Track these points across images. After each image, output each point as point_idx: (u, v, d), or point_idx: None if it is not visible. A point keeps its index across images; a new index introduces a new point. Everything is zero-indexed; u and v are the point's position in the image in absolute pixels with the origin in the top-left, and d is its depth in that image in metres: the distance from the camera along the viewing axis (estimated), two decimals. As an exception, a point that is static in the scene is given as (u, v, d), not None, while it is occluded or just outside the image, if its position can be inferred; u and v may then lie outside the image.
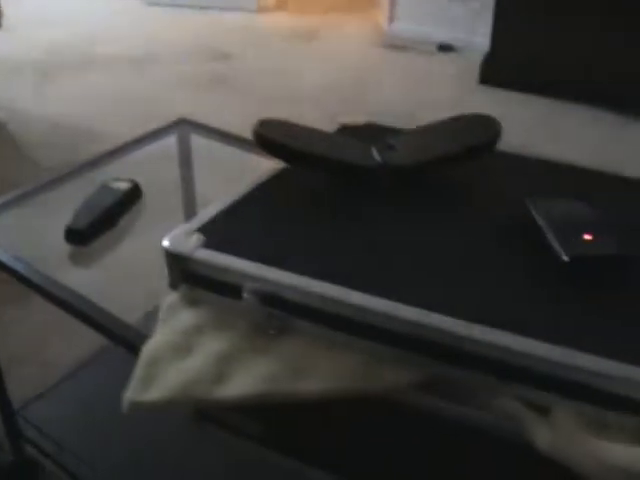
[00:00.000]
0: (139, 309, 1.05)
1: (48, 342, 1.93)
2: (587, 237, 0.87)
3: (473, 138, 1.05)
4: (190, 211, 1.45)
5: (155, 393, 0.79)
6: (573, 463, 0.68)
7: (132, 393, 0.80)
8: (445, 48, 4.58)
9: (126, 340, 0.97)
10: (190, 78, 3.98)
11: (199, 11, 5.31)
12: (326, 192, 1.01)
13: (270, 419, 0.89)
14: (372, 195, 1.00)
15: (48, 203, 1.37)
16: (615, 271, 0.85)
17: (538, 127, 3.41)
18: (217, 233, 0.90)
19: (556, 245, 0.86)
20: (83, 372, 1.58)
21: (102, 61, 4.23)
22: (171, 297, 0.89)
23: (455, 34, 4.61)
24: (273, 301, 0.82)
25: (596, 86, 3.56)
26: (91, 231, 1.20)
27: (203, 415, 0.91)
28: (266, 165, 1.06)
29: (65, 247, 1.18)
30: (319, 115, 3.28)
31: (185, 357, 0.82)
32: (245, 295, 0.82)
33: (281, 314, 0.82)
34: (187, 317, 0.87)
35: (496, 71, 3.88)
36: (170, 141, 1.65)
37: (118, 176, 1.34)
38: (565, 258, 0.84)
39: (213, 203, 0.96)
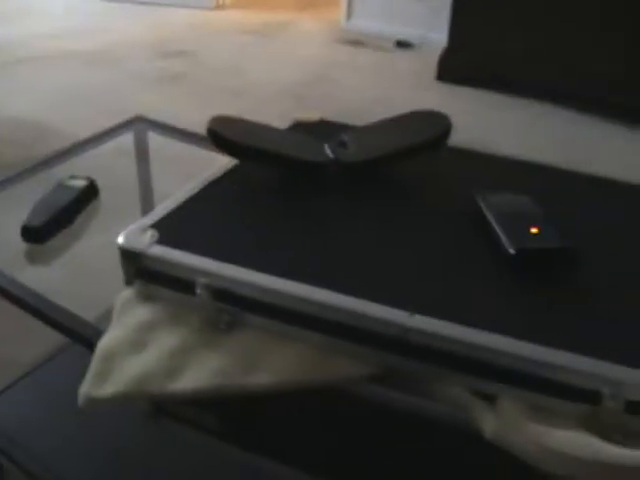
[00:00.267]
0: (96, 307, 1.05)
1: (5, 341, 1.92)
2: (533, 230, 0.89)
3: (424, 134, 1.07)
4: (147, 208, 1.44)
5: (110, 388, 0.80)
6: (517, 450, 0.70)
7: (87, 388, 0.80)
8: (403, 44, 4.60)
9: (84, 337, 0.98)
10: (147, 75, 3.97)
11: (155, 8, 5.30)
12: (279, 188, 1.03)
13: (227, 413, 0.90)
14: (324, 191, 1.02)
15: (3, 201, 1.37)
16: (560, 263, 0.87)
17: (494, 123, 3.44)
18: (171, 229, 0.91)
19: (503, 238, 0.88)
20: (41, 371, 1.58)
21: (57, 57, 4.20)
22: (126, 293, 0.90)
23: (413, 30, 4.63)
24: (225, 296, 0.83)
25: (551, 82, 3.60)
26: (47, 229, 1.20)
27: (160, 410, 0.92)
28: (222, 162, 1.07)
29: (21, 245, 1.18)
30: (276, 112, 3.29)
31: (139, 352, 0.83)
32: (198, 291, 0.83)
33: (233, 309, 0.83)
34: (141, 313, 0.88)
35: (453, 67, 3.91)
36: (127, 138, 1.65)
37: (74, 174, 1.34)
38: (511, 251, 0.86)
39: (167, 200, 0.98)
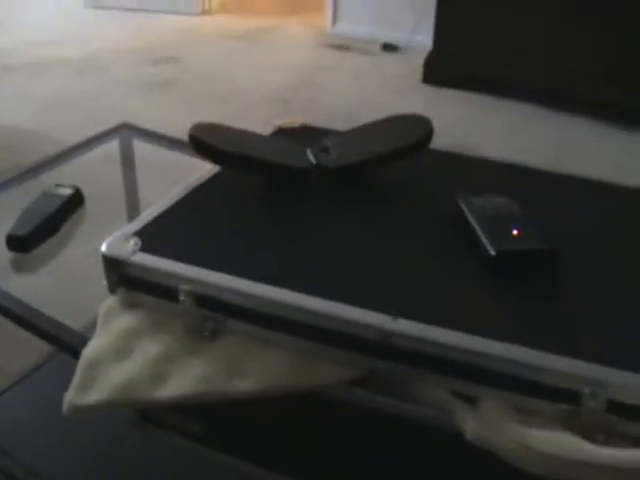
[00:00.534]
0: (82, 315, 1.05)
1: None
2: (515, 232, 0.90)
3: (406, 138, 1.08)
4: (133, 216, 1.43)
5: (95, 395, 0.80)
6: (499, 450, 0.71)
7: (72, 396, 0.81)
8: (389, 48, 4.61)
9: (70, 346, 0.97)
10: (133, 82, 3.97)
11: (141, 14, 5.29)
12: (261, 194, 1.03)
13: (212, 419, 0.90)
14: (307, 197, 1.02)
15: (-11, 210, 1.37)
16: (542, 265, 0.88)
17: (480, 125, 3.45)
18: (154, 237, 0.91)
19: (484, 241, 0.89)
20: (29, 379, 1.57)
21: (46, 64, 4.20)
22: (109, 301, 0.91)
23: (399, 34, 4.64)
24: (208, 303, 0.83)
25: (538, 83, 3.62)
26: (33, 238, 1.20)
27: (146, 417, 0.92)
28: (207, 168, 1.08)
29: (6, 254, 1.18)
30: (263, 117, 3.30)
31: (123, 360, 0.83)
32: (181, 298, 0.84)
33: (216, 315, 0.84)
34: (125, 320, 0.88)
35: (439, 70, 3.92)
36: (112, 146, 1.65)
37: (60, 182, 1.34)
38: (492, 253, 0.86)
39: (150, 207, 0.98)
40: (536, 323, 0.78)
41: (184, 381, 0.80)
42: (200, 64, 4.31)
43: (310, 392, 0.79)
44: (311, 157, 1.08)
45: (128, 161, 1.64)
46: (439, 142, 1.13)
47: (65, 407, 0.81)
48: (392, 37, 4.64)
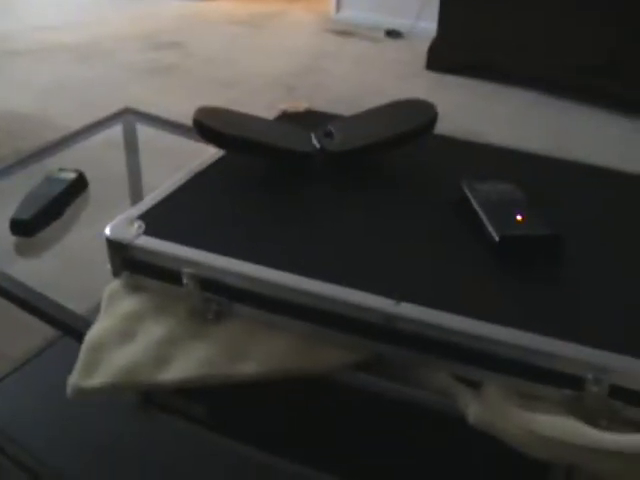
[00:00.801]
0: (87, 299, 1.05)
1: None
2: (519, 218, 0.90)
3: (409, 123, 1.08)
4: (136, 200, 1.44)
5: (98, 378, 0.81)
6: (503, 435, 0.71)
7: (76, 379, 0.81)
8: (393, 34, 4.60)
9: (73, 329, 0.97)
10: (136, 67, 3.96)
11: (145, -1, 5.29)
12: (265, 178, 1.03)
13: (215, 402, 0.91)
14: (310, 181, 1.02)
15: (-7, 194, 1.37)
16: (546, 251, 0.88)
17: (484, 112, 3.44)
18: (158, 220, 0.91)
19: (488, 226, 0.89)
20: (32, 364, 1.58)
21: (48, 50, 4.19)
22: (113, 284, 0.91)
23: (402, 20, 4.63)
24: (211, 286, 0.83)
25: (540, 71, 3.61)
26: (36, 222, 1.20)
27: (149, 400, 0.93)
28: (211, 153, 1.08)
29: (10, 238, 1.18)
30: (266, 102, 3.29)
31: (127, 343, 0.84)
32: (184, 281, 0.84)
33: (219, 299, 0.84)
34: (129, 304, 0.88)
35: (443, 56, 3.91)
36: (116, 131, 1.65)
37: (63, 166, 1.34)
38: (496, 238, 0.86)
39: (154, 191, 0.98)
40: (539, 308, 0.78)
41: (187, 364, 0.80)
42: (203, 49, 4.30)
43: (313, 376, 0.79)
44: (315, 141, 1.08)
45: (131, 145, 1.64)
46: (442, 128, 1.13)
47: (69, 390, 0.81)
48: (396, 23, 4.63)
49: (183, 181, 1.01)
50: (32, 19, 4.80)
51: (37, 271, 1.18)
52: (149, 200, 0.96)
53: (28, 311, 1.04)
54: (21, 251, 1.20)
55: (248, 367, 0.79)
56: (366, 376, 0.80)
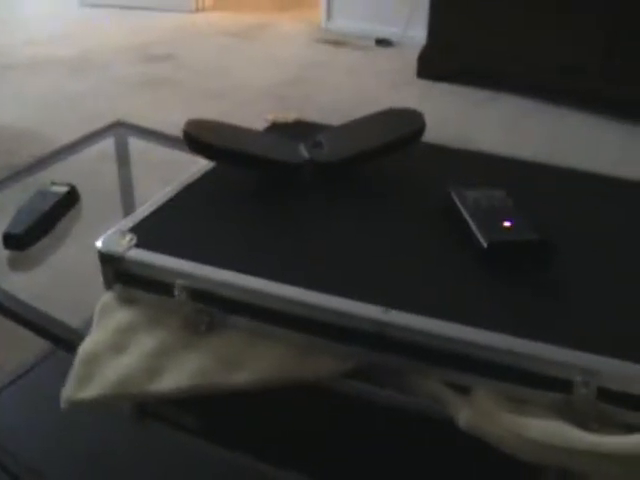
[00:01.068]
0: (79, 312, 1.05)
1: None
2: (506, 224, 0.91)
3: (398, 132, 1.09)
4: (129, 213, 1.45)
5: (92, 390, 0.81)
6: (493, 439, 0.72)
7: (70, 391, 0.81)
8: (383, 43, 4.61)
9: (67, 342, 0.98)
10: (128, 80, 3.96)
11: (136, 12, 5.30)
12: (255, 190, 1.04)
13: (208, 412, 0.91)
14: (300, 191, 1.03)
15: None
16: (534, 256, 0.89)
17: (475, 119, 3.45)
18: (149, 232, 0.92)
19: (476, 233, 0.90)
20: (27, 376, 1.58)
21: (41, 63, 4.19)
22: (106, 297, 0.91)
23: (393, 29, 4.64)
24: (203, 297, 0.84)
25: (532, 78, 3.62)
26: (29, 236, 1.20)
27: (143, 411, 0.93)
28: (202, 165, 1.09)
29: (3, 252, 1.18)
30: (258, 113, 3.29)
31: (120, 354, 0.84)
32: (176, 292, 0.84)
33: (211, 310, 0.84)
34: (122, 316, 0.89)
35: (433, 64, 3.92)
36: (108, 144, 1.66)
37: (55, 180, 1.34)
38: (484, 244, 0.87)
39: (146, 203, 0.99)
40: (527, 313, 0.79)
41: (180, 375, 0.80)
42: (195, 61, 4.31)
43: (305, 385, 0.80)
44: (305, 152, 1.09)
45: (123, 159, 1.64)
46: (434, 136, 1.14)
47: (63, 402, 0.81)
48: (386, 32, 4.65)
49: (174, 193, 1.01)
50: (24, 33, 4.80)
51: (30, 285, 1.18)
52: (141, 212, 0.97)
53: (22, 324, 1.04)
54: (14, 265, 1.20)
55: (240, 377, 0.79)
56: (358, 383, 0.80)
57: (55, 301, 1.10)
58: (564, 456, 0.70)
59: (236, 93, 3.77)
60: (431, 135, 1.11)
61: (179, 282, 0.84)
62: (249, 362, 0.80)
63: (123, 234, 0.91)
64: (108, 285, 0.91)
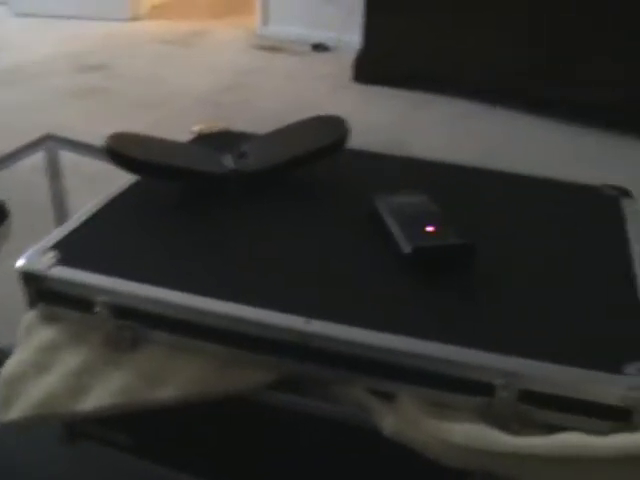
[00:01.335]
0: (5, 333, 1.04)
1: None
2: (430, 229, 0.91)
3: (322, 140, 1.09)
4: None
5: (16, 412, 0.80)
6: (418, 445, 0.72)
7: (-7, 414, 0.80)
8: (319, 48, 4.62)
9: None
10: (62, 91, 3.92)
11: (70, 21, 5.24)
12: (180, 202, 1.03)
13: (139, 429, 0.91)
14: (225, 202, 1.03)
15: None
16: (458, 260, 0.89)
17: (413, 122, 3.47)
18: (73, 249, 0.91)
19: (399, 239, 0.90)
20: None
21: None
22: (29, 316, 0.90)
23: (328, 34, 4.66)
24: (124, 313, 0.83)
25: (470, 81, 3.64)
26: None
27: (73, 430, 0.92)
28: (128, 178, 1.08)
29: None
30: (194, 121, 3.28)
31: (44, 374, 0.83)
32: (97, 309, 0.84)
33: (133, 325, 0.84)
34: (44, 334, 0.88)
35: (369, 68, 3.93)
36: (38, 157, 1.63)
37: (-17, 197, 1.33)
38: (407, 250, 0.88)
39: (69, 220, 0.98)
40: (449, 318, 0.80)
41: (104, 392, 0.80)
42: (131, 70, 4.27)
43: (231, 397, 0.80)
44: (230, 162, 1.09)
45: (54, 172, 1.62)
46: (371, 139, 1.14)
47: (-13, 424, 0.80)
48: (322, 37, 4.66)
49: (98, 208, 1.01)
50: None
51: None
52: (64, 229, 0.96)
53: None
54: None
55: (163, 393, 0.79)
56: (283, 395, 0.80)
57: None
58: (487, 459, 0.70)
59: (172, 101, 3.75)
60: (367, 138, 1.12)
61: (100, 299, 0.83)
62: (171, 377, 0.80)
63: (45, 251, 0.90)
64: (31, 304, 0.90)
